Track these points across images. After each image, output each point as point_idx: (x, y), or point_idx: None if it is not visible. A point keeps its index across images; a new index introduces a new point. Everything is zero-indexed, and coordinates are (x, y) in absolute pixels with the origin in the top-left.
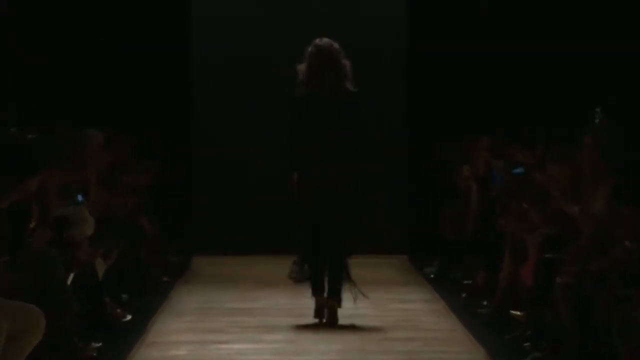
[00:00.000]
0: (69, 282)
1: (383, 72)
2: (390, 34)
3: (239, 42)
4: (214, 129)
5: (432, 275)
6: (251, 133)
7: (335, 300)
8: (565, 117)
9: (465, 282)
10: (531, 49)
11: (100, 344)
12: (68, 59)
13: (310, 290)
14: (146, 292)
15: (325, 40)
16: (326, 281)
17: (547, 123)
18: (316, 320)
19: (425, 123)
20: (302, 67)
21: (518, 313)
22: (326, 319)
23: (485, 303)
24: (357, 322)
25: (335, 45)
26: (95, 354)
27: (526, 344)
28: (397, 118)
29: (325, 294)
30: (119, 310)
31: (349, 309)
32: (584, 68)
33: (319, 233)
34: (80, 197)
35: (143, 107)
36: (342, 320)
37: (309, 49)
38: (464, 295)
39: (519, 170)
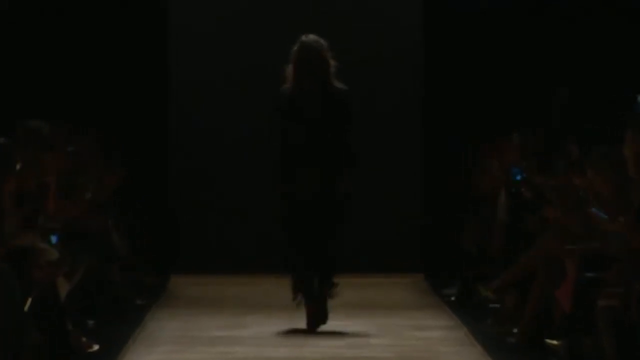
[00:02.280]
0: (26, 306)
1: (398, 73)
2: (405, 33)
3: (227, 41)
4: (195, 127)
5: (452, 298)
6: (240, 135)
7: (327, 288)
8: (592, 116)
9: (492, 305)
10: (550, 45)
11: None
12: (37, 51)
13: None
14: (116, 318)
15: (312, 36)
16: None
17: (573, 123)
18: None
19: (442, 125)
20: (289, 69)
21: (554, 342)
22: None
23: (515, 330)
24: (366, 352)
25: (322, 41)
26: None
27: None
28: (411, 120)
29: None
30: (84, 339)
31: (357, 338)
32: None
33: (307, 239)
34: (54, 239)
35: (114, 105)
36: (348, 351)
37: (295, 46)
38: (490, 321)
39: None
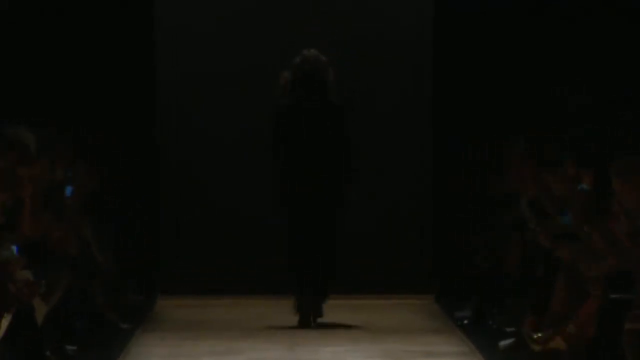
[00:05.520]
0: None
1: (405, 72)
2: (414, 30)
3: (223, 40)
4: (186, 134)
5: (465, 321)
6: (234, 143)
7: (321, 296)
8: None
9: (509, 329)
10: (550, 45)
11: None
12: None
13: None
14: (98, 343)
15: (313, 51)
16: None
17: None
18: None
19: (453, 126)
20: (286, 75)
21: None
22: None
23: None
24: None
25: (322, 57)
26: None
27: None
28: (419, 122)
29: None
30: None
31: None
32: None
33: (305, 242)
34: (15, 249)
35: (97, 107)
36: None
37: (295, 59)
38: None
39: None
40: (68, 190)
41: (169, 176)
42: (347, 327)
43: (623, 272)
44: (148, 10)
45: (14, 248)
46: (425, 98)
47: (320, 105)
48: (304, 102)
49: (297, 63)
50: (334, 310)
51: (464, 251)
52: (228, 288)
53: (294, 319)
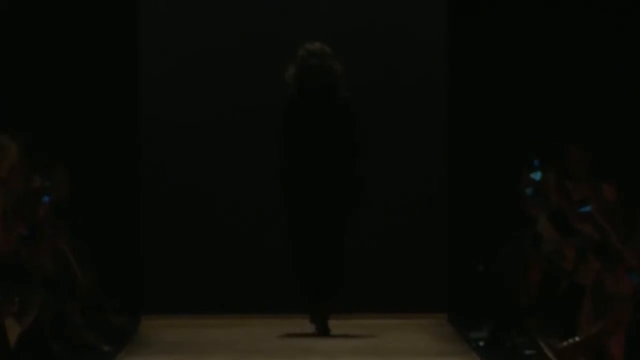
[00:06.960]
0: None
1: (418, 85)
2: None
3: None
4: (172, 141)
5: (481, 343)
6: (224, 148)
7: (332, 302)
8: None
9: (528, 352)
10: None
11: None
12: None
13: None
14: None
15: (316, 43)
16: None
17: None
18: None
19: (470, 136)
20: (291, 70)
21: None
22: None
23: None
24: None
25: (327, 48)
26: None
27: None
28: (433, 128)
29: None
30: None
31: None
32: None
33: (311, 242)
34: None
35: (75, 112)
36: None
37: (299, 52)
38: None
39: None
40: (44, 200)
41: (153, 184)
42: (354, 348)
43: None
44: (131, 7)
45: None
46: (440, 100)
47: (327, 100)
48: (309, 97)
49: (301, 57)
50: (339, 329)
51: (480, 266)
52: (220, 306)
53: (292, 340)
